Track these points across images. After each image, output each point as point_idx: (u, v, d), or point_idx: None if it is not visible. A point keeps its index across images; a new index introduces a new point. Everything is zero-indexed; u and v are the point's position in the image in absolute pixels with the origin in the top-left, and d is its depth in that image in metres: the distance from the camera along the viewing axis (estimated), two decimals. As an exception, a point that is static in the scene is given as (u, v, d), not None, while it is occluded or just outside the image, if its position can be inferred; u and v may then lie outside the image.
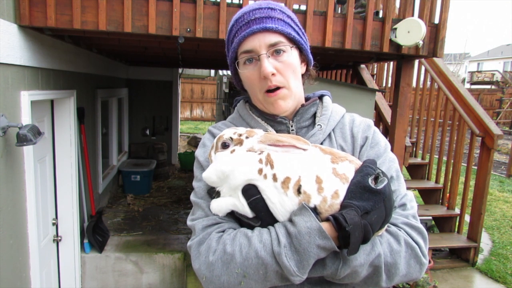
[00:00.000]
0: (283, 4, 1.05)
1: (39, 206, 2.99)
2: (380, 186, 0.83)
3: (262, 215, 0.88)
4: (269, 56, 0.97)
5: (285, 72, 0.98)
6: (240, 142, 0.92)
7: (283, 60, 0.98)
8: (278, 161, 0.87)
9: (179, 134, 9.45)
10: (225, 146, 0.93)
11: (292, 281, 0.83)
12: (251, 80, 1.01)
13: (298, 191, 0.84)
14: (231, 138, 0.93)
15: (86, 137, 4.05)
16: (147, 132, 7.91)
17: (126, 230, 4.66)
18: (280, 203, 0.85)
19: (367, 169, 0.86)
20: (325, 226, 0.81)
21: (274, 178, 0.85)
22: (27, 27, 2.38)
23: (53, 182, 3.40)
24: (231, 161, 0.89)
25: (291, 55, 1.00)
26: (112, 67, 5.73)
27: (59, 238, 3.48)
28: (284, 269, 0.82)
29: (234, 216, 0.94)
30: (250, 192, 0.87)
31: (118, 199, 5.95)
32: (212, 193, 0.95)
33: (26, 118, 2.48)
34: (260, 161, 0.87)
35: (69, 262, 3.66)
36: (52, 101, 3.32)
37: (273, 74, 0.97)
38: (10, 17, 2.26)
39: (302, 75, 1.08)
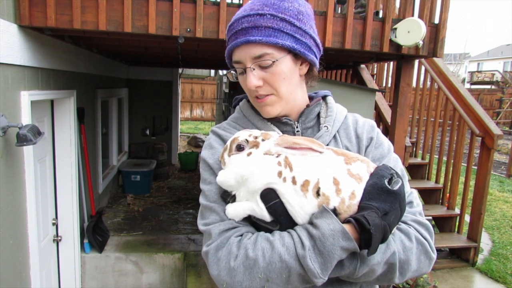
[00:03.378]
0: (285, 1, 0.97)
1: (39, 206, 2.99)
2: (396, 187, 0.84)
3: (282, 219, 0.87)
4: (254, 69, 0.96)
5: (273, 82, 0.97)
6: (256, 145, 0.90)
7: (271, 71, 0.96)
8: (296, 164, 0.86)
9: (179, 134, 9.45)
10: (240, 148, 0.91)
11: (315, 283, 0.84)
12: (244, 87, 1.03)
13: (317, 194, 0.84)
14: (247, 141, 0.91)
15: (86, 137, 4.05)
16: (147, 132, 7.91)
17: (126, 230, 4.66)
18: (300, 206, 0.85)
19: (382, 172, 0.87)
20: (347, 227, 0.82)
21: (293, 181, 0.85)
22: (27, 27, 2.38)
23: (53, 182, 3.39)
24: (250, 164, 0.88)
25: (280, 64, 0.96)
26: (112, 67, 5.73)
27: (59, 238, 3.48)
28: (308, 272, 0.82)
29: (250, 220, 0.93)
30: (269, 196, 0.86)
31: (118, 199, 5.95)
32: (227, 197, 0.93)
33: (26, 118, 2.48)
34: (279, 163, 0.86)
35: (69, 262, 3.66)
36: (52, 101, 3.32)
37: (258, 87, 0.97)
38: (10, 17, 2.26)
39: (304, 75, 1.05)
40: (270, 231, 0.89)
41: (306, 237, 0.83)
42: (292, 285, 0.86)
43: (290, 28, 0.96)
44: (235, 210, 0.91)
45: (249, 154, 0.89)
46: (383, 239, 0.81)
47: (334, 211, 0.84)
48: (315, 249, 0.82)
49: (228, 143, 0.94)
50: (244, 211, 0.90)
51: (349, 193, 0.84)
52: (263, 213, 0.87)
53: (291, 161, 0.87)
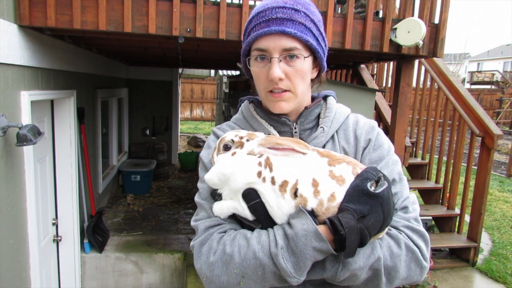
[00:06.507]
0: (312, 5, 1.01)
1: (39, 206, 2.99)
2: (378, 190, 0.83)
3: (262, 219, 0.89)
4: (280, 60, 0.95)
5: (294, 78, 0.96)
6: (241, 145, 0.93)
7: (295, 66, 0.95)
8: (276, 164, 0.88)
9: (179, 134, 9.45)
10: (226, 148, 0.94)
11: (290, 282, 0.84)
12: (258, 78, 1.00)
13: (295, 194, 0.85)
14: (233, 141, 0.94)
15: (86, 137, 4.05)
16: (147, 132, 7.91)
17: (126, 230, 4.66)
18: (278, 206, 0.86)
19: (367, 174, 0.86)
20: (322, 229, 0.82)
21: (273, 181, 0.86)
22: (27, 27, 2.38)
23: (53, 182, 3.39)
24: (232, 164, 0.90)
25: (304, 63, 0.97)
26: (112, 67, 5.73)
27: (59, 238, 3.48)
28: (281, 270, 0.83)
29: (236, 218, 0.95)
30: (250, 196, 0.88)
31: (118, 199, 5.95)
32: (215, 195, 0.96)
33: (26, 118, 2.48)
34: (260, 164, 0.88)
35: (69, 262, 3.66)
36: (52, 101, 3.32)
37: (280, 79, 0.95)
38: (10, 17, 2.26)
39: (312, 79, 1.06)
40: (253, 229, 0.91)
41: (281, 236, 0.85)
42: (268, 283, 0.87)
43: (316, 31, 0.99)
44: (220, 208, 0.94)
45: (233, 154, 0.92)
46: (362, 243, 0.80)
47: (312, 212, 0.84)
48: (288, 248, 0.83)
49: (217, 143, 0.97)
50: (228, 210, 0.93)
51: (328, 195, 0.84)
52: (245, 212, 0.90)
53: (272, 162, 0.88)
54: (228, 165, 0.90)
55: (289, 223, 0.86)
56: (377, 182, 0.86)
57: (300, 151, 0.88)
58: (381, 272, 0.88)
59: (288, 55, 0.95)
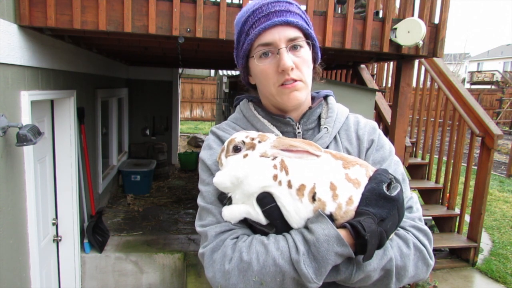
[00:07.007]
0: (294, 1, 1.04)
1: (39, 206, 2.99)
2: (394, 193, 0.83)
3: (277, 223, 0.87)
4: (288, 51, 0.95)
5: (302, 67, 0.97)
6: (252, 147, 0.89)
7: (301, 55, 0.97)
8: (292, 168, 0.85)
9: (179, 134, 9.45)
10: (237, 149, 0.90)
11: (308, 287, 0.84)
12: (266, 74, 0.98)
13: (313, 198, 0.83)
14: (243, 142, 0.90)
15: (86, 137, 4.05)
16: (147, 132, 7.91)
17: (126, 230, 4.66)
18: (295, 210, 0.84)
19: (381, 176, 0.86)
20: (342, 233, 0.81)
21: (289, 185, 0.84)
22: (27, 27, 2.38)
23: (53, 182, 3.39)
24: (245, 166, 0.87)
25: (307, 51, 0.99)
26: (112, 67, 5.73)
27: (59, 238, 3.48)
28: (302, 276, 0.82)
29: (246, 222, 0.92)
30: (265, 200, 0.86)
31: (118, 199, 5.95)
32: (223, 198, 0.93)
33: (26, 118, 2.48)
34: (275, 166, 0.85)
35: (69, 262, 3.66)
36: (52, 101, 3.32)
37: (292, 69, 0.95)
38: (10, 17, 2.26)
39: None
40: (266, 233, 0.89)
41: (301, 242, 0.83)
42: None
43: (309, 22, 1.02)
44: (231, 213, 0.91)
45: (245, 156, 0.89)
46: (379, 246, 0.81)
47: (331, 216, 0.83)
48: (309, 254, 0.82)
49: (225, 144, 0.94)
50: (240, 214, 0.90)
51: (346, 198, 0.83)
52: (259, 216, 0.87)
53: (287, 164, 0.85)
54: (241, 168, 0.87)
55: (307, 228, 0.84)
56: (388, 184, 0.86)
57: (314, 154, 0.86)
58: (393, 272, 0.88)
59: (292, 46, 0.96)
